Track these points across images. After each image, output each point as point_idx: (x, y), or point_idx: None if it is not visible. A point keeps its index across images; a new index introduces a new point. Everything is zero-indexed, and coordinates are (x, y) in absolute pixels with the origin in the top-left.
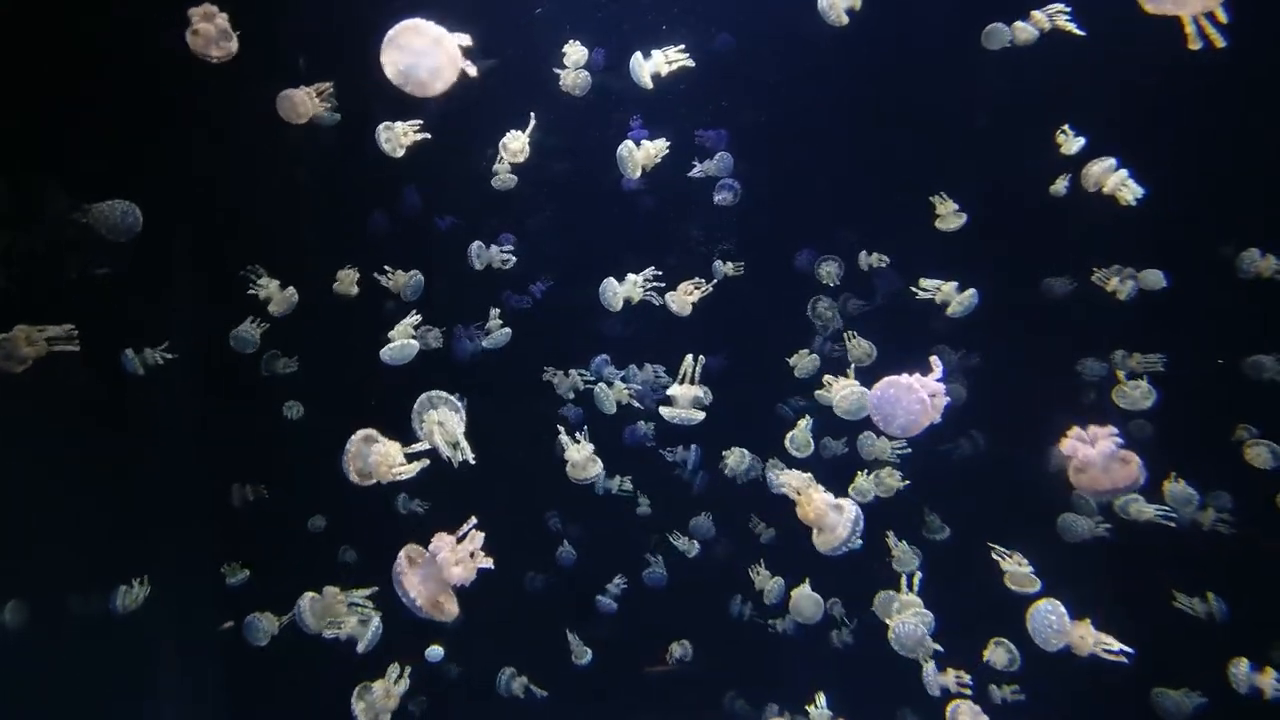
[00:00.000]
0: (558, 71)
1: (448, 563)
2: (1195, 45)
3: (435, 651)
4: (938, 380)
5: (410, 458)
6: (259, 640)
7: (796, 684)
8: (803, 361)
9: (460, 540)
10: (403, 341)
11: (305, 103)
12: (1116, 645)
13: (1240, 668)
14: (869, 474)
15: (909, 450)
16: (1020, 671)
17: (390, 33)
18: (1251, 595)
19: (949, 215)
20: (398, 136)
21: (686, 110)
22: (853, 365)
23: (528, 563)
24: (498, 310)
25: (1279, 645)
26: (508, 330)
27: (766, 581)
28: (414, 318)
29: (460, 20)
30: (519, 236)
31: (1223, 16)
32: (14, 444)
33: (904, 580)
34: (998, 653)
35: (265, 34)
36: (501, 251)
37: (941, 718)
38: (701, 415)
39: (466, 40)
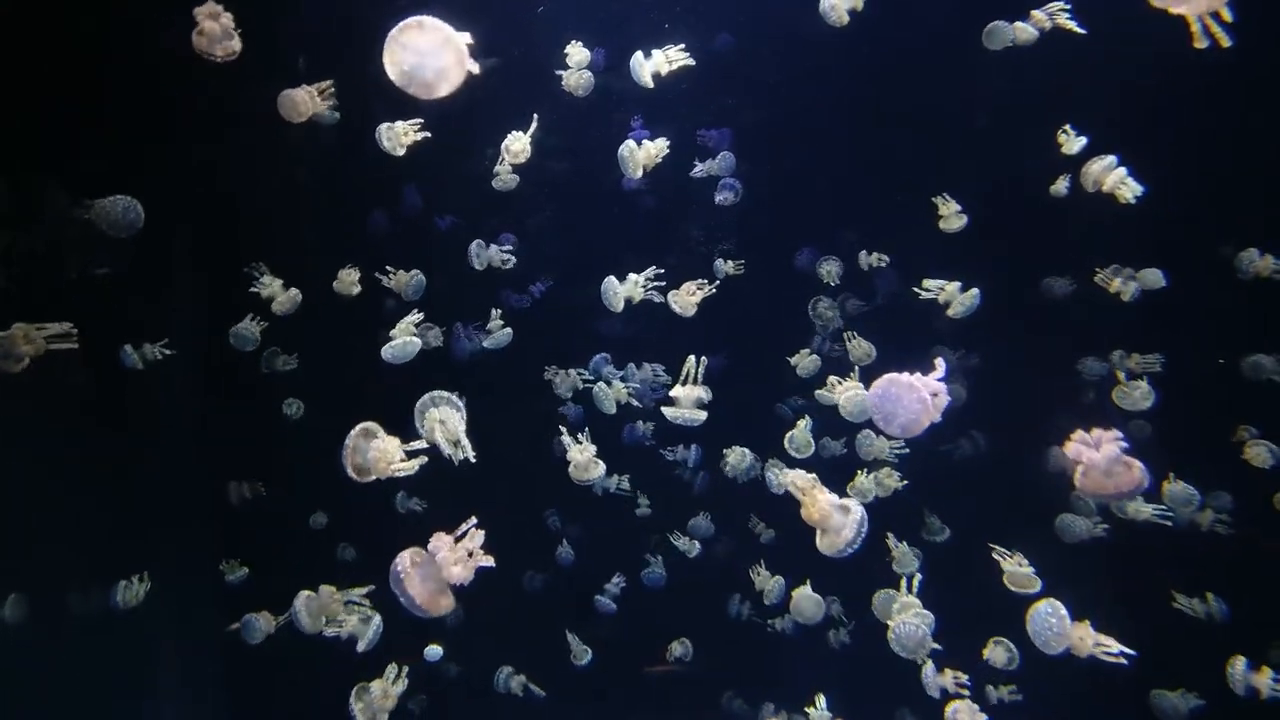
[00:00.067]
0: (560, 73)
1: (447, 562)
2: (1201, 44)
3: (434, 651)
4: (939, 380)
5: (409, 455)
6: (254, 639)
7: (795, 684)
8: (804, 361)
9: (458, 540)
10: (405, 339)
11: (306, 102)
12: (1116, 647)
13: (1237, 667)
14: (869, 474)
15: (907, 450)
16: (1019, 671)
17: (394, 30)
18: (1251, 595)
19: (951, 216)
20: (398, 136)
21: (687, 110)
22: (857, 367)
23: (527, 562)
24: (499, 311)
25: (1278, 645)
26: (509, 331)
27: (767, 582)
28: (415, 316)
29: (461, 19)
30: (519, 236)
31: (1228, 15)
32: (13, 442)
33: (904, 582)
34: (997, 652)
35: (266, 33)
36: (501, 251)
37: (940, 718)
38: (704, 416)
39: (468, 39)
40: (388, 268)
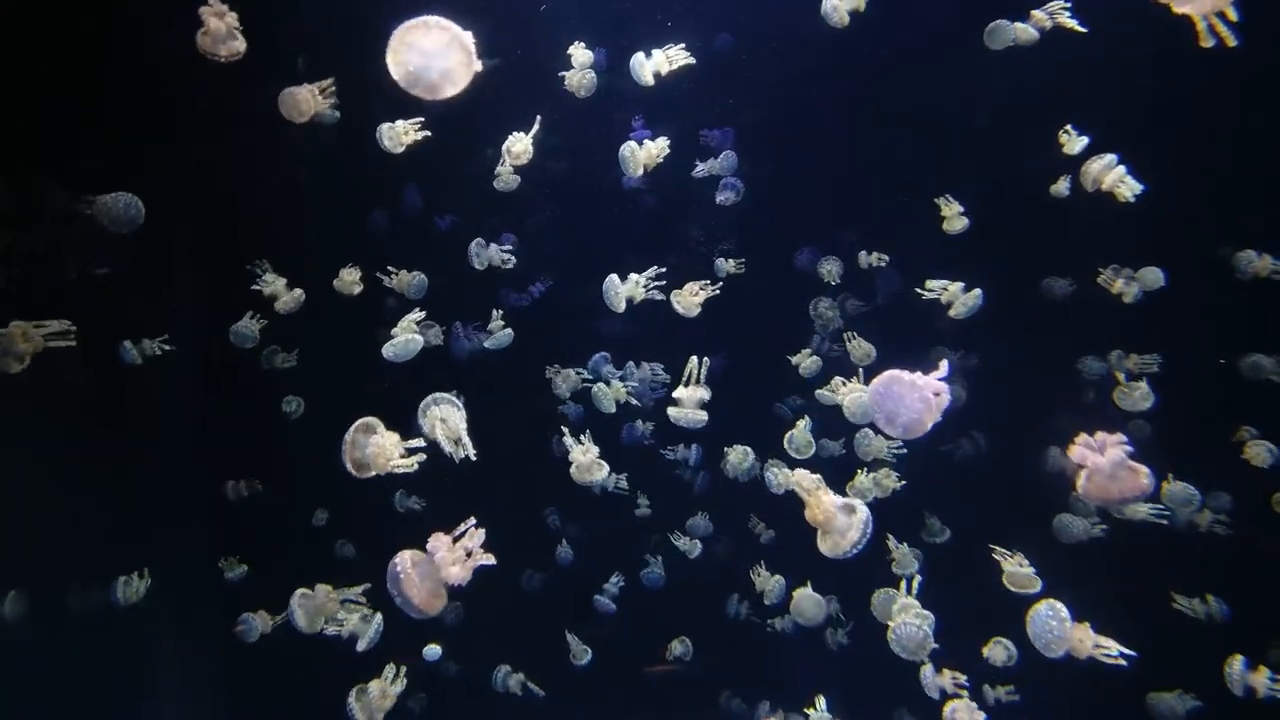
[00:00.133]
0: (563, 74)
1: (445, 562)
2: (1207, 43)
3: (433, 650)
4: (941, 379)
5: (408, 452)
6: (250, 638)
7: (795, 684)
8: (806, 361)
9: (457, 540)
10: (406, 337)
11: (308, 101)
12: (1116, 649)
13: (1235, 666)
14: (869, 474)
15: (904, 450)
16: (1017, 671)
17: (400, 30)
18: (1249, 596)
19: (954, 217)
20: (399, 135)
21: (689, 110)
22: (861, 369)
23: (526, 562)
24: (500, 311)
25: (1277, 645)
26: (509, 331)
27: (767, 582)
28: (417, 314)
29: (463, 19)
30: (520, 235)
31: (1233, 15)
32: (13, 441)
33: (903, 583)
34: (996, 650)
35: (266, 33)
36: (502, 251)
37: (938, 718)
38: (705, 417)
39: (470, 38)
40: (389, 268)
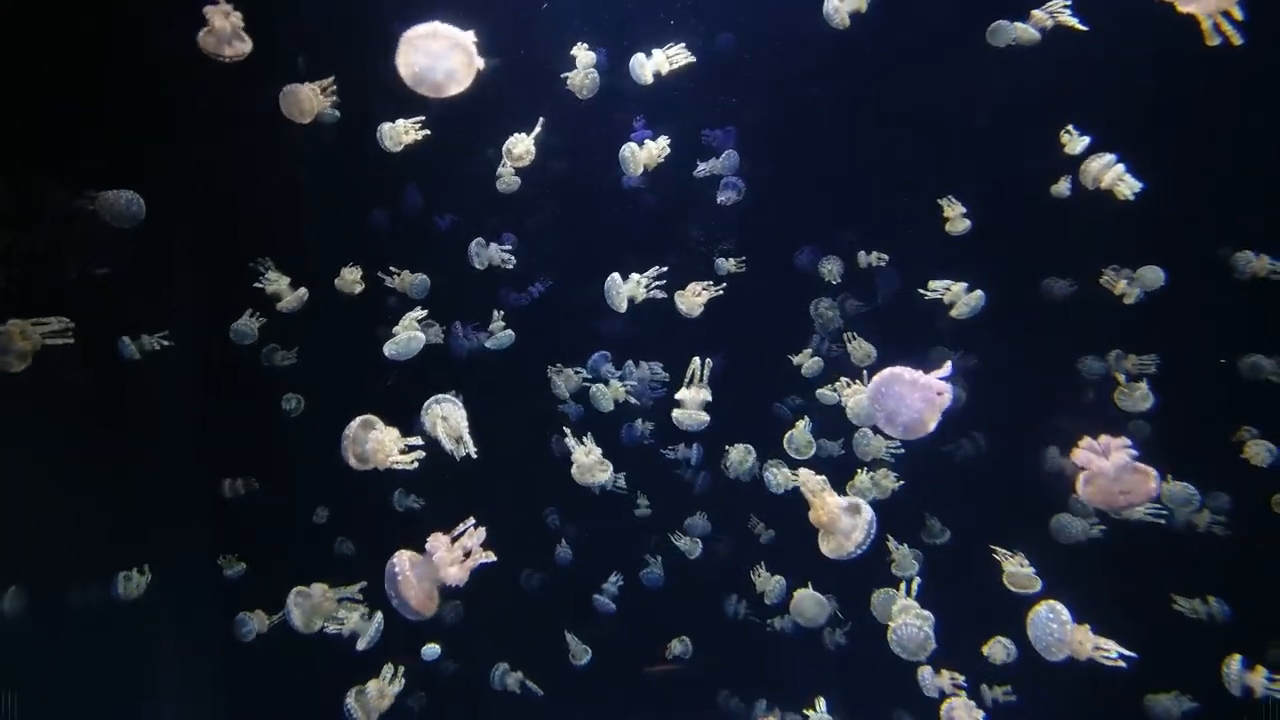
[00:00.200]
0: (565, 76)
1: (444, 563)
2: (1213, 41)
3: (432, 650)
4: (943, 379)
5: (407, 450)
6: (246, 637)
7: (794, 684)
8: (808, 362)
9: (455, 540)
10: (408, 335)
11: (310, 99)
12: (1115, 651)
13: (1232, 666)
14: (869, 473)
15: (902, 450)
16: (1015, 671)
17: (408, 34)
18: (1248, 596)
19: (956, 218)
20: (399, 133)
21: (690, 110)
22: (865, 371)
23: (526, 561)
24: (501, 312)
25: (1275, 645)
26: (510, 332)
27: (767, 583)
28: (419, 311)
29: (465, 18)
30: (521, 235)
31: (1238, 14)
32: (12, 440)
33: (903, 585)
34: (995, 649)
35: (266, 32)
36: (501, 250)
37: (937, 718)
38: (708, 418)
39: (472, 37)
40: (392, 269)
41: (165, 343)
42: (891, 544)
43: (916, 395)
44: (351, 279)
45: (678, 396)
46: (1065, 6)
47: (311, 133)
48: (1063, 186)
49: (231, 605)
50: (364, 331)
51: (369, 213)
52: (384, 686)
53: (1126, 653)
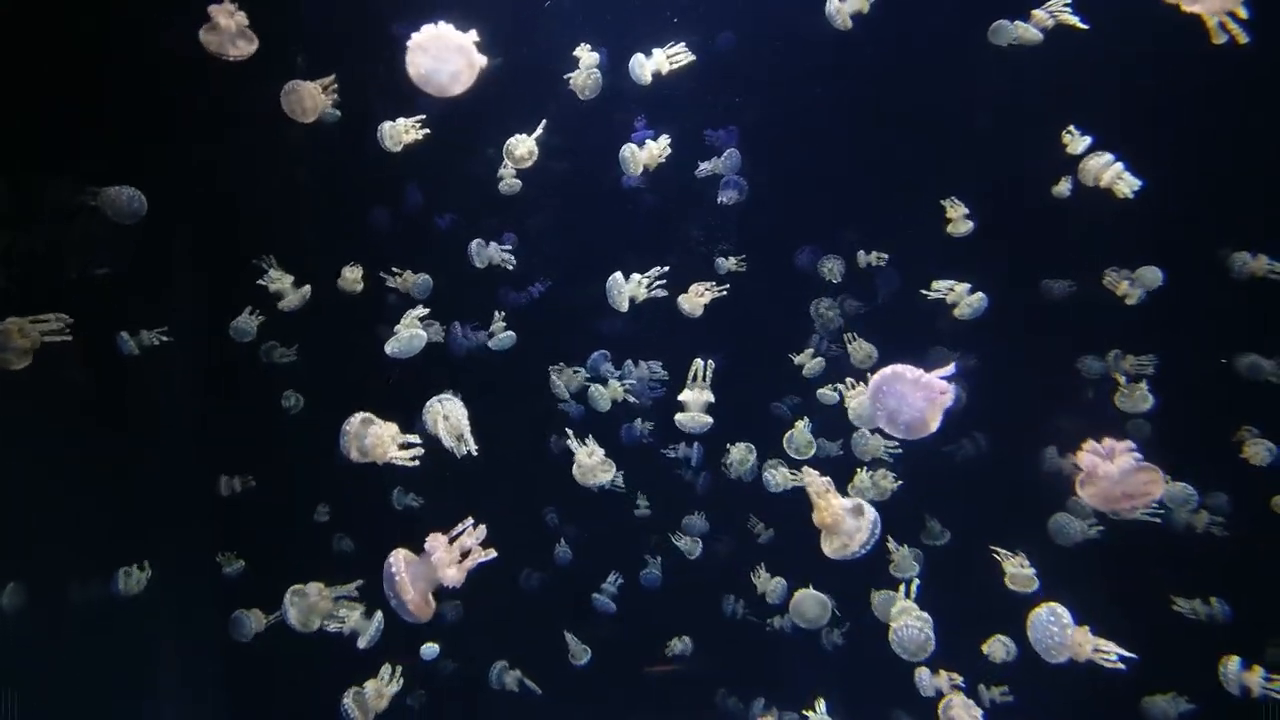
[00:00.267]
0: (567, 76)
1: (442, 563)
2: (1219, 40)
3: (431, 649)
4: (945, 378)
5: (405, 445)
6: (244, 637)
7: (794, 683)
8: (810, 362)
9: (453, 540)
10: (410, 333)
11: (313, 97)
12: (1115, 653)
13: (1230, 666)
14: (869, 473)
15: (900, 450)
16: (1014, 671)
17: (414, 37)
18: (1247, 596)
19: (959, 219)
20: (399, 133)
21: (692, 110)
22: (869, 374)
23: (525, 561)
24: (502, 313)
25: (1274, 645)
26: (512, 334)
27: (768, 584)
28: (420, 310)
29: (468, 17)
30: (521, 235)
31: (1243, 13)
32: (12, 439)
33: (902, 587)
34: (995, 647)
35: (267, 31)
36: (501, 250)
37: (934, 717)
38: (711, 420)
39: (474, 36)
40: (394, 269)
41: (164, 338)
42: (891, 545)
43: (918, 395)
44: (353, 278)
45: (680, 398)
46: (1066, 5)
47: (312, 132)
48: (1063, 187)
49: (231, 604)
50: (364, 329)
51: (369, 212)
52: (382, 687)
53: (1126, 654)
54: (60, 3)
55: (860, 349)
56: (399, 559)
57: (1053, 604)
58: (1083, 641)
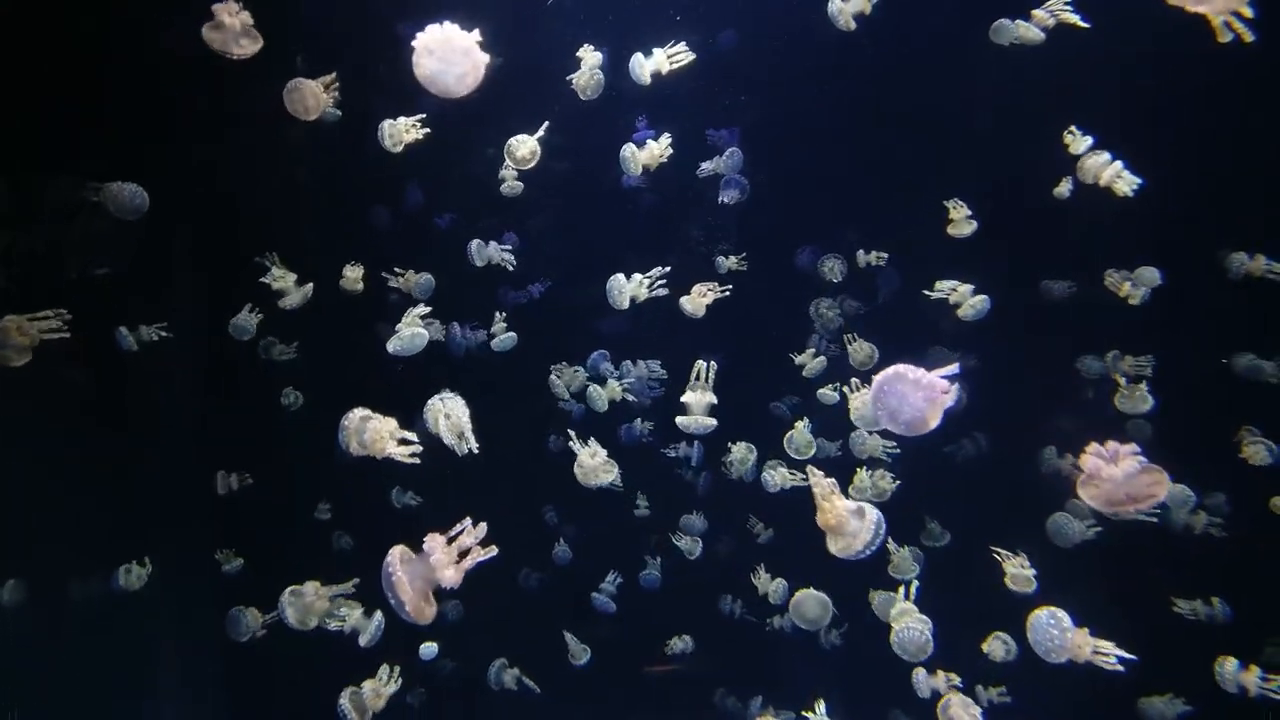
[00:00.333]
0: (570, 77)
1: (441, 564)
2: (1224, 38)
3: (429, 648)
4: (947, 378)
5: (403, 441)
6: (241, 636)
7: (793, 683)
8: (811, 362)
9: (451, 541)
10: (412, 331)
11: (315, 94)
12: (1115, 654)
13: (1227, 666)
14: (870, 472)
15: (898, 450)
16: (1011, 672)
17: (421, 38)
18: (1246, 597)
19: (961, 221)
20: (400, 132)
21: (694, 110)
22: (870, 374)
23: (524, 560)
24: (503, 314)
25: (1272, 644)
26: (513, 335)
27: (768, 585)
28: (421, 308)
29: (467, 16)
30: (522, 235)
31: (1248, 12)
32: (11, 437)
33: (902, 588)
34: (994, 645)
35: (268, 30)
36: (501, 249)
37: (932, 717)
38: (714, 422)
39: (477, 36)
40: (397, 270)
41: (163, 333)
42: (891, 546)
43: (919, 394)
44: (354, 277)
45: (683, 400)
46: (1066, 4)
47: (313, 131)
48: (1064, 188)
49: (231, 603)
50: (363, 328)
51: (370, 211)
52: (380, 686)
53: (1126, 656)
54: (60, 3)
55: (860, 349)
56: (396, 559)
57: (1053, 607)
58: (1082, 644)
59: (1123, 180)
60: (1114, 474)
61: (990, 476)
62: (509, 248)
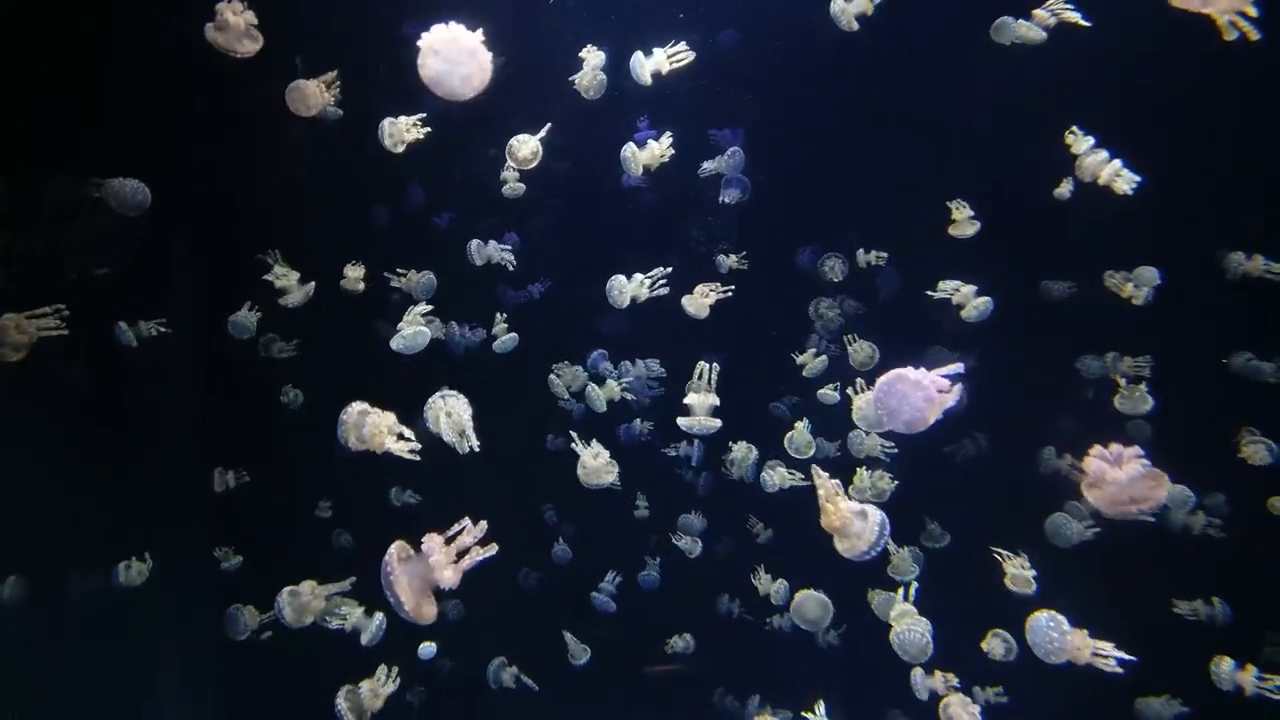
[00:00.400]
0: (572, 78)
1: (439, 565)
2: (1229, 36)
3: (428, 648)
4: (949, 377)
5: (401, 436)
6: (239, 634)
7: (792, 683)
8: (812, 361)
9: (449, 541)
10: (415, 330)
11: (315, 95)
12: (1114, 655)
13: (1223, 666)
14: (870, 473)
15: (895, 450)
16: (1011, 671)
17: (427, 38)
18: (1245, 597)
19: (963, 222)
20: (400, 131)
21: (696, 110)
22: (870, 374)
23: (524, 560)
24: (503, 315)
25: (1272, 643)
26: (514, 335)
27: (769, 585)
28: (423, 306)
29: (470, 16)
30: (523, 235)
31: (1253, 10)
32: (11, 436)
33: (901, 589)
34: (994, 643)
35: (270, 30)
36: (500, 249)
37: (930, 717)
38: (718, 424)
39: (480, 36)
40: (399, 270)
41: (162, 329)
42: (891, 547)
43: (919, 395)
44: (356, 277)
45: (686, 402)
46: (1067, 3)
47: (313, 131)
48: (1065, 189)
49: (231, 601)
50: (363, 326)
51: (371, 211)
52: (377, 686)
53: (1125, 657)
54: (60, 3)
55: (861, 349)
56: (395, 558)
57: (1053, 611)
58: (1082, 646)
59: (1122, 178)
60: (1118, 477)
61: (990, 477)
62: (509, 247)
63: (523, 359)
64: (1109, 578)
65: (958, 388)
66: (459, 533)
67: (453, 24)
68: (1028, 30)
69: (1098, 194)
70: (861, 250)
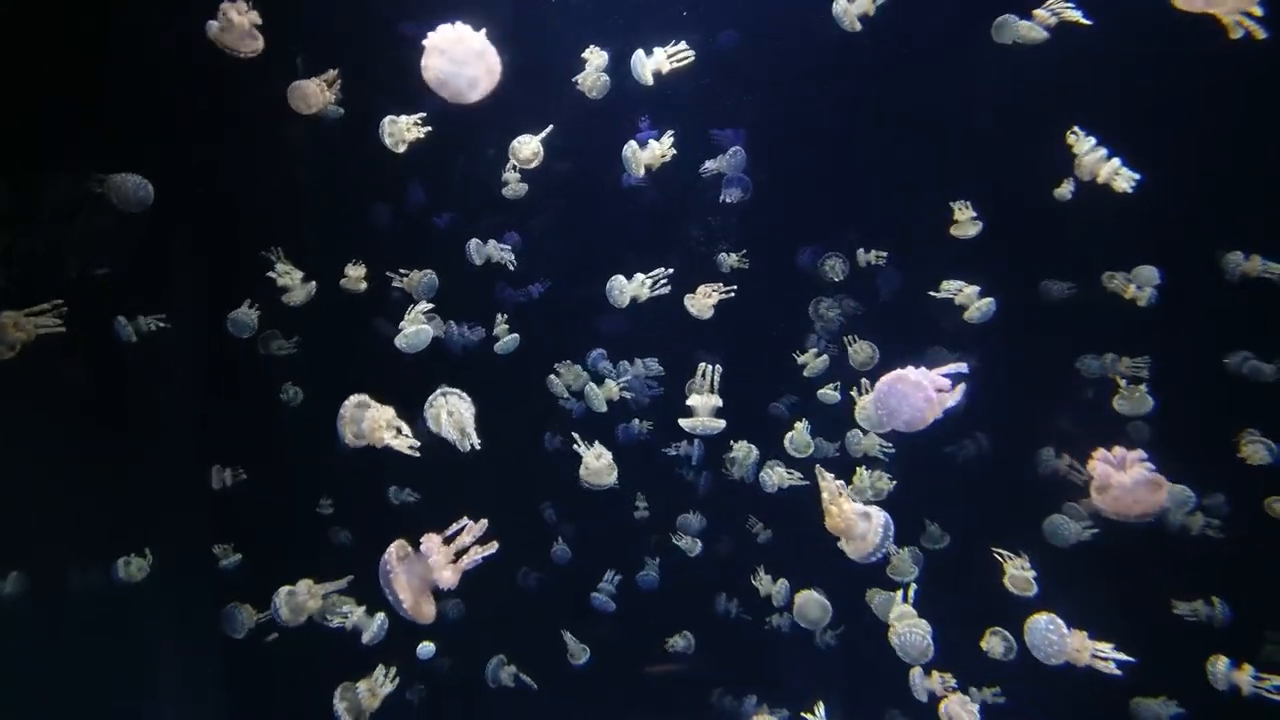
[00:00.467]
0: (575, 79)
1: (438, 565)
2: (1235, 35)
3: (427, 648)
4: (949, 377)
5: (399, 431)
6: (238, 632)
7: (792, 682)
8: (813, 361)
9: (448, 541)
10: (417, 328)
11: (316, 95)
12: (1113, 657)
13: (1219, 665)
14: (870, 472)
15: (893, 449)
16: (1009, 671)
17: (432, 38)
18: (1244, 597)
19: (966, 222)
20: (401, 131)
21: (697, 110)
22: (870, 374)
23: (523, 559)
24: (504, 315)
25: (1272, 643)
26: (515, 336)
27: (769, 586)
28: (425, 305)
29: (471, 15)
30: (524, 234)
31: (1257, 10)
32: (10, 434)
33: (901, 590)
34: (993, 642)
35: (269, 29)
36: (500, 248)
37: (930, 717)
38: (722, 424)
39: (483, 35)
40: (400, 270)
41: (161, 324)
42: (891, 547)
43: (920, 395)
44: (356, 276)
45: (689, 404)
46: (1067, 3)
47: (314, 130)
48: (1065, 189)
49: (230, 599)
50: (363, 325)
51: (371, 210)
52: (375, 686)
53: (1125, 658)
54: (60, 3)
55: (861, 350)
56: (394, 556)
57: (1052, 616)
58: (1081, 648)
59: (1121, 177)
60: (1123, 481)
61: (990, 477)
62: (508, 247)
63: (523, 359)
64: (1108, 578)
65: (960, 387)
66: (458, 532)
67: (459, 24)
68: (1029, 30)
69: (1098, 194)
70: (862, 250)
